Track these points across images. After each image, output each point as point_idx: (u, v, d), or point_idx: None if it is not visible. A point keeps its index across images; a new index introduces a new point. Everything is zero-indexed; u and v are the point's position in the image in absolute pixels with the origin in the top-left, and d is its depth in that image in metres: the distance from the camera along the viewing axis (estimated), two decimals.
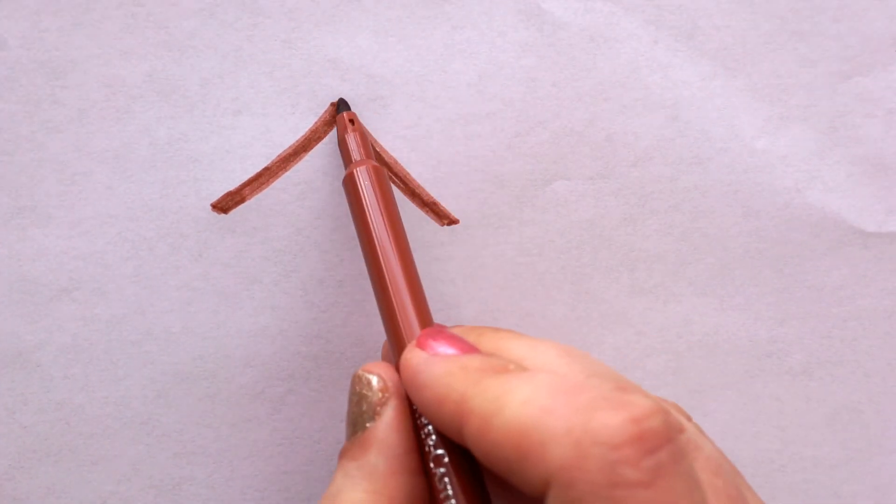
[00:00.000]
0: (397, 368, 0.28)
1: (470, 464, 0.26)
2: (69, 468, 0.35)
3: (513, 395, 0.23)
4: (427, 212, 0.35)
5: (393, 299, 0.29)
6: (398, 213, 0.31)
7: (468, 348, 0.27)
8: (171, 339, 0.35)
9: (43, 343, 0.35)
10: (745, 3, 0.36)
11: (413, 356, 0.27)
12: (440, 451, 0.26)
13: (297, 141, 0.35)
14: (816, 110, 0.36)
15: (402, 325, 0.28)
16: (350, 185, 0.31)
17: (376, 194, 0.30)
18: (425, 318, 0.28)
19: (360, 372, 0.28)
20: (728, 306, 0.37)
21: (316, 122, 0.35)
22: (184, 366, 0.35)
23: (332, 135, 0.35)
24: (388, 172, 0.35)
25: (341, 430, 0.36)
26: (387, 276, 0.29)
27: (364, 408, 0.27)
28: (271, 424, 0.36)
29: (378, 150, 0.35)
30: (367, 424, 0.27)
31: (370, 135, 0.34)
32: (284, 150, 0.35)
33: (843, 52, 0.36)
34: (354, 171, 0.31)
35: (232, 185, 0.35)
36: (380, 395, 0.27)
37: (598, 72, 0.36)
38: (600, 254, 0.36)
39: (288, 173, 0.35)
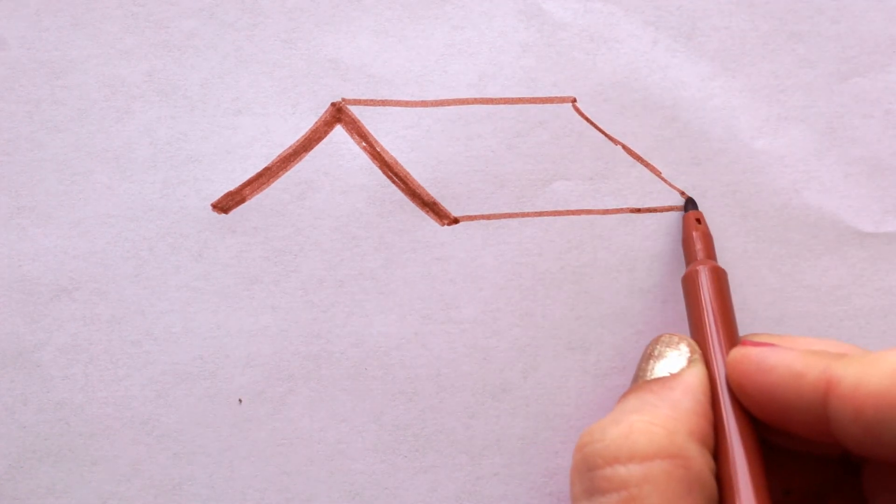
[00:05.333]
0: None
1: (756, 439, 0.28)
2: (69, 468, 0.35)
3: (886, 357, 0.24)
4: (427, 212, 0.35)
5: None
6: (734, 316, 0.32)
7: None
8: (171, 339, 0.35)
9: (43, 343, 0.35)
10: (744, 4, 0.36)
11: (750, 348, 0.28)
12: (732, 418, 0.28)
13: (297, 141, 0.35)
14: (814, 111, 0.36)
15: (712, 338, 0.30)
16: (690, 282, 0.32)
17: (714, 294, 0.32)
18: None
19: (667, 335, 0.30)
20: None
21: (316, 122, 0.35)
22: (184, 366, 0.35)
23: (333, 135, 0.35)
24: (390, 173, 0.35)
25: (341, 430, 0.36)
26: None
27: (668, 360, 0.29)
28: (271, 424, 0.36)
29: (378, 149, 0.35)
30: (670, 372, 0.28)
31: (374, 141, 0.34)
32: (284, 150, 0.35)
33: (842, 53, 0.36)
34: (698, 269, 0.32)
35: (232, 185, 0.35)
36: (689, 353, 0.29)
37: (598, 72, 0.36)
38: (600, 254, 0.36)
39: (288, 173, 0.35)
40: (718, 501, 0.26)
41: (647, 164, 0.36)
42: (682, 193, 0.36)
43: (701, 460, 0.26)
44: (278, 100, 0.35)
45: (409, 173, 0.35)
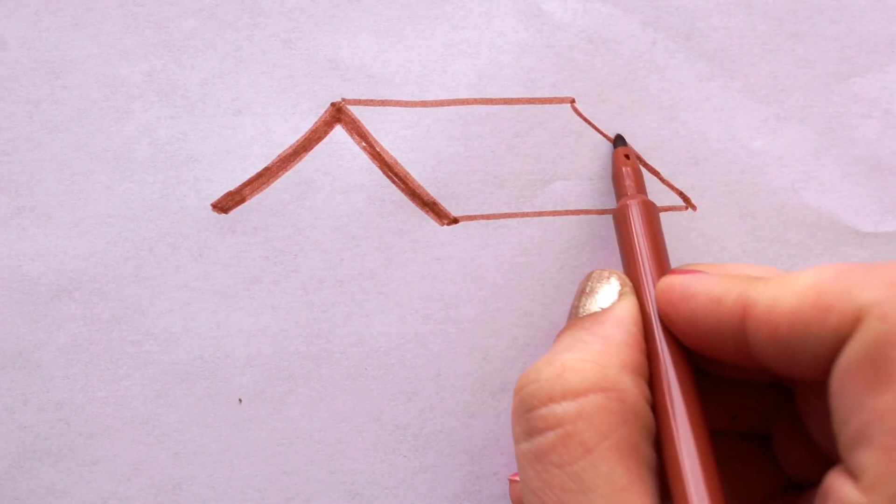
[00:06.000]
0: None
1: (690, 366, 0.28)
2: (69, 468, 0.35)
3: (802, 274, 0.24)
4: (427, 212, 0.35)
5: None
6: (665, 246, 0.32)
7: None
8: (171, 339, 0.35)
9: (43, 343, 0.35)
10: (742, 5, 0.36)
11: (675, 276, 0.28)
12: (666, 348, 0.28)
13: (297, 141, 0.35)
14: (813, 111, 0.36)
15: (645, 269, 0.30)
16: (621, 217, 0.32)
17: (645, 228, 0.32)
18: None
19: (598, 270, 0.30)
20: None
21: (316, 122, 0.35)
22: (184, 366, 0.35)
23: (333, 135, 0.35)
24: (390, 173, 0.35)
25: (341, 430, 0.36)
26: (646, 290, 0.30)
27: (599, 294, 0.29)
28: (271, 424, 0.36)
29: (378, 149, 0.35)
30: (601, 307, 0.29)
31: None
32: (284, 150, 0.35)
33: (841, 53, 0.36)
34: (628, 203, 0.32)
35: (232, 185, 0.35)
36: (619, 287, 0.29)
37: (597, 72, 0.36)
38: (600, 254, 0.36)
39: (288, 173, 0.35)
40: (655, 429, 0.27)
41: (645, 165, 0.36)
42: (681, 194, 0.36)
43: (635, 391, 0.26)
44: (278, 100, 0.35)
45: (408, 173, 0.35)
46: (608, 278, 0.30)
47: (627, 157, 0.35)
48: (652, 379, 0.28)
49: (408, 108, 0.35)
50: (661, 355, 0.28)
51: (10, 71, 0.34)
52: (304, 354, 0.35)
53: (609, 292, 0.29)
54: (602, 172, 0.36)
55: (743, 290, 0.25)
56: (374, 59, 0.35)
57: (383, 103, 0.35)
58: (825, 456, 0.27)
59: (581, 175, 0.36)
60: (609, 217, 0.36)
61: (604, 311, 0.28)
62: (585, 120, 0.36)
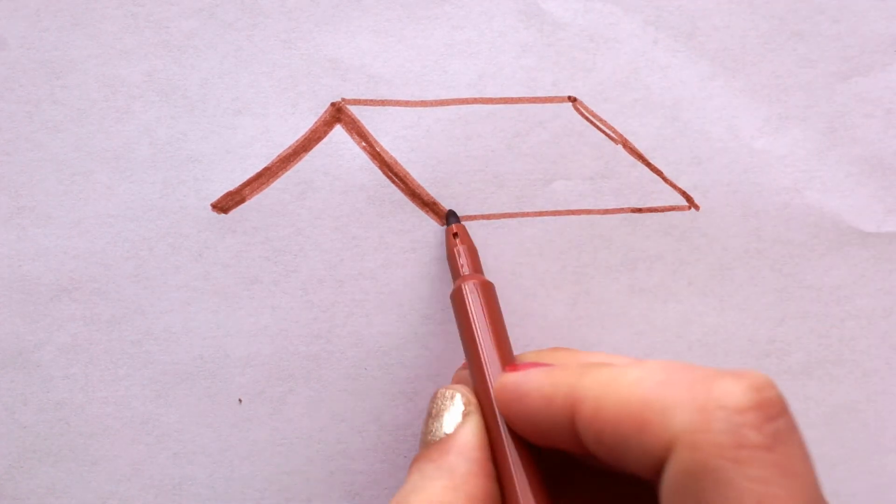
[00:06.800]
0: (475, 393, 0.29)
1: (540, 471, 0.28)
2: (69, 468, 0.35)
3: (625, 376, 0.24)
4: (427, 212, 0.35)
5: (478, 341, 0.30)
6: (504, 326, 0.31)
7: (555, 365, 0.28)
8: (171, 339, 0.35)
9: (43, 343, 0.35)
10: (744, 4, 0.36)
11: (509, 376, 0.28)
12: (516, 457, 0.27)
13: (297, 141, 0.35)
14: (815, 110, 0.36)
15: (486, 366, 0.30)
16: (457, 300, 0.32)
17: (483, 310, 0.31)
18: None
19: (443, 390, 0.30)
20: (727, 306, 0.37)
21: (316, 122, 0.35)
22: (184, 366, 0.35)
23: (332, 135, 0.35)
24: (390, 172, 0.35)
25: (341, 430, 0.36)
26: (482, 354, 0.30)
27: (444, 419, 0.29)
28: (271, 424, 0.36)
29: (378, 149, 0.35)
30: (446, 432, 0.28)
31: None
32: (284, 150, 0.35)
33: (843, 52, 0.36)
34: (462, 286, 0.32)
35: (232, 185, 0.35)
36: (462, 407, 0.29)
37: (598, 72, 0.36)
38: (600, 254, 0.36)
39: (288, 173, 0.35)
40: None
41: (647, 164, 0.36)
42: (683, 193, 0.36)
43: None
44: (278, 100, 0.35)
45: (408, 173, 0.35)
46: (452, 398, 0.29)
47: (456, 235, 0.34)
48: (504, 493, 0.27)
49: (408, 108, 0.35)
50: (510, 467, 0.27)
51: (10, 71, 0.34)
52: (304, 354, 0.36)
53: (453, 414, 0.29)
54: (603, 172, 0.36)
55: (571, 387, 0.25)
56: (374, 59, 0.35)
57: (383, 103, 0.35)
58: None
59: (582, 175, 0.36)
60: (610, 217, 0.36)
61: (448, 437, 0.28)
62: (587, 119, 0.36)
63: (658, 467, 0.23)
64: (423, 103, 0.35)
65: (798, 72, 0.36)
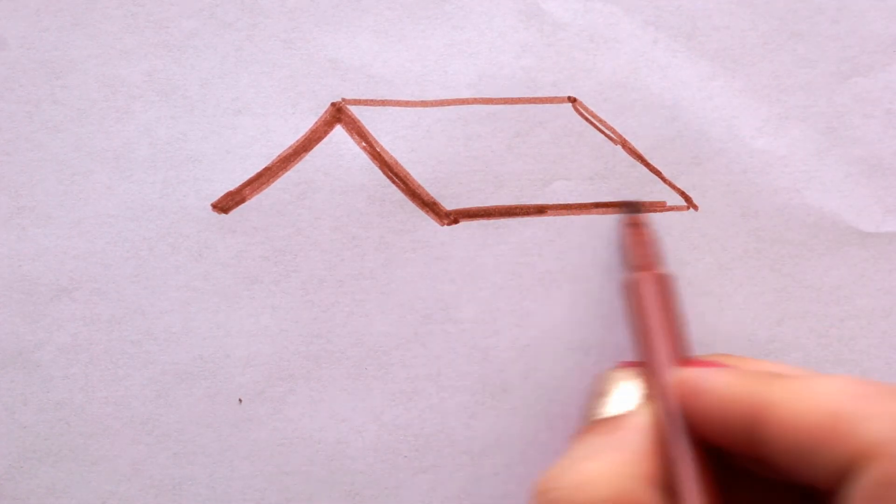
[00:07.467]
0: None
1: (709, 468, 0.27)
2: (69, 468, 0.35)
3: (817, 385, 0.24)
4: (427, 212, 0.35)
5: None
6: (683, 326, 0.31)
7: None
8: (171, 339, 0.35)
9: (43, 343, 0.35)
10: (744, 4, 0.36)
11: (689, 371, 0.28)
12: (688, 449, 0.27)
13: (297, 141, 0.35)
14: (815, 111, 0.36)
15: (662, 356, 0.29)
16: (633, 294, 0.31)
17: (660, 308, 0.31)
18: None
19: (611, 371, 0.30)
20: (726, 306, 0.37)
21: (316, 122, 0.35)
22: (184, 366, 0.35)
23: (333, 135, 0.35)
24: (390, 173, 0.35)
25: (341, 430, 0.36)
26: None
27: (614, 399, 0.29)
28: (271, 424, 0.36)
29: (378, 149, 0.35)
30: (617, 411, 0.28)
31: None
32: (284, 150, 0.35)
33: (842, 52, 0.36)
34: (640, 277, 0.31)
35: (232, 185, 0.35)
36: (638, 391, 0.29)
37: (598, 72, 0.36)
38: (600, 254, 0.36)
39: (288, 173, 0.35)
40: None
41: (647, 164, 0.36)
42: (682, 193, 0.36)
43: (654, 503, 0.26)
44: (278, 100, 0.35)
45: (409, 173, 0.35)
46: (625, 379, 0.30)
47: (637, 225, 0.34)
48: (674, 484, 0.27)
49: (408, 108, 0.35)
50: (680, 461, 0.27)
51: (10, 71, 0.34)
52: (304, 354, 0.36)
53: (624, 396, 0.29)
54: (603, 172, 0.36)
55: (758, 392, 0.25)
56: (374, 59, 0.35)
57: (383, 103, 0.35)
58: None
59: (582, 175, 0.36)
60: (611, 217, 0.36)
61: (621, 416, 0.28)
62: (587, 119, 0.36)
63: (841, 477, 0.23)
64: (423, 103, 0.35)
65: (798, 72, 0.36)
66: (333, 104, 0.35)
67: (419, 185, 0.35)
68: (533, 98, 0.35)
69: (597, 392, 0.30)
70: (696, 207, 0.36)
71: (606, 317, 0.36)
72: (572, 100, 0.36)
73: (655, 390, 0.29)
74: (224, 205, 0.35)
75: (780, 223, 0.36)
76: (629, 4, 0.35)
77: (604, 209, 0.36)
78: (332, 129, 0.35)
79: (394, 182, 0.35)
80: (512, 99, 0.35)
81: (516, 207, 0.36)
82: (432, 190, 0.35)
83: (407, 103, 0.35)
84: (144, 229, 0.35)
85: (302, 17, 0.35)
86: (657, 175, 0.36)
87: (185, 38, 0.34)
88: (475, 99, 0.35)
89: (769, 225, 0.36)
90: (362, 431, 0.36)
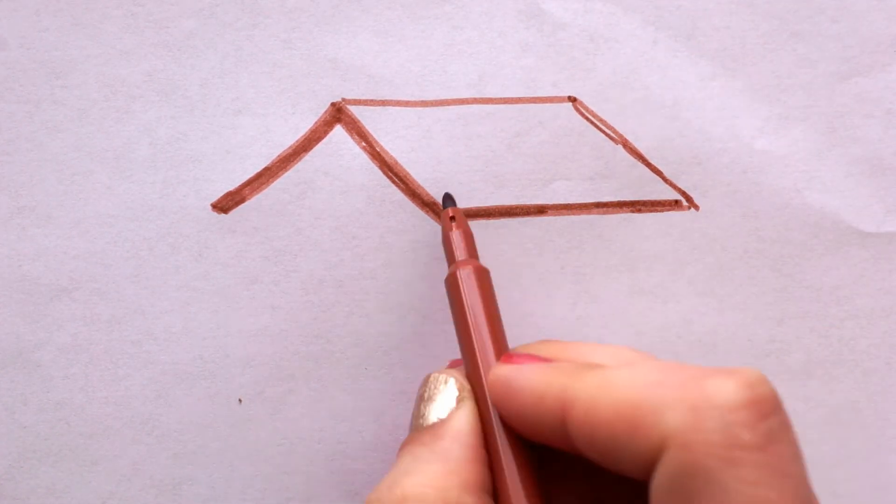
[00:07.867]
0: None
1: (532, 462, 0.27)
2: (69, 468, 0.35)
3: (617, 378, 0.24)
4: (427, 212, 0.35)
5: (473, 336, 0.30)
6: (499, 313, 0.31)
7: (551, 359, 0.28)
8: (171, 339, 0.35)
9: (43, 343, 0.35)
10: (744, 4, 0.36)
11: (503, 368, 0.28)
12: (507, 447, 0.27)
13: (297, 141, 0.35)
14: (815, 111, 0.36)
15: (479, 354, 0.29)
16: (452, 284, 0.31)
17: (478, 297, 0.30)
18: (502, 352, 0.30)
19: (436, 374, 0.30)
20: (727, 306, 0.37)
21: (316, 123, 0.35)
22: (184, 366, 0.35)
23: (333, 135, 0.35)
24: (390, 173, 0.35)
25: (341, 430, 0.36)
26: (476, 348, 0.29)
27: (437, 403, 0.29)
28: (271, 424, 0.36)
29: (378, 149, 0.35)
30: (439, 417, 0.28)
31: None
32: (284, 150, 0.35)
33: (842, 52, 0.36)
34: (457, 271, 0.31)
35: (232, 185, 0.35)
36: (456, 392, 0.29)
37: (598, 72, 0.36)
38: (600, 254, 0.36)
39: (288, 173, 0.35)
40: None
41: (647, 164, 0.36)
42: (683, 193, 0.36)
43: None
44: (278, 100, 0.35)
45: (409, 173, 0.35)
46: (445, 382, 0.29)
47: (454, 218, 0.33)
48: (496, 487, 0.27)
49: (408, 108, 0.35)
50: (503, 462, 0.27)
51: (10, 71, 0.34)
52: (304, 354, 0.36)
53: (447, 399, 0.29)
54: (604, 172, 0.36)
55: (563, 387, 0.25)
56: (374, 59, 0.35)
57: (383, 103, 0.35)
58: None
59: (582, 175, 0.36)
60: (610, 217, 0.36)
61: (442, 422, 0.28)
62: (587, 119, 0.36)
63: (649, 468, 0.23)
64: (423, 103, 0.35)
65: (798, 72, 0.36)
66: (333, 104, 0.35)
67: (419, 185, 0.35)
68: (533, 98, 0.35)
69: (420, 396, 0.29)
70: (696, 207, 0.36)
71: (606, 316, 0.36)
72: (572, 100, 0.36)
73: (475, 387, 0.29)
74: (224, 205, 0.35)
75: (781, 223, 0.36)
76: (629, 4, 0.35)
77: (604, 209, 0.36)
78: (331, 129, 0.35)
79: (394, 182, 0.35)
80: (512, 99, 0.35)
81: (516, 207, 0.36)
82: (432, 190, 0.35)
83: (407, 103, 0.35)
84: (144, 229, 0.35)
85: (302, 17, 0.35)
86: (658, 175, 0.36)
87: (185, 38, 0.34)
88: (475, 99, 0.35)
89: (770, 225, 0.36)
90: (362, 431, 0.36)
